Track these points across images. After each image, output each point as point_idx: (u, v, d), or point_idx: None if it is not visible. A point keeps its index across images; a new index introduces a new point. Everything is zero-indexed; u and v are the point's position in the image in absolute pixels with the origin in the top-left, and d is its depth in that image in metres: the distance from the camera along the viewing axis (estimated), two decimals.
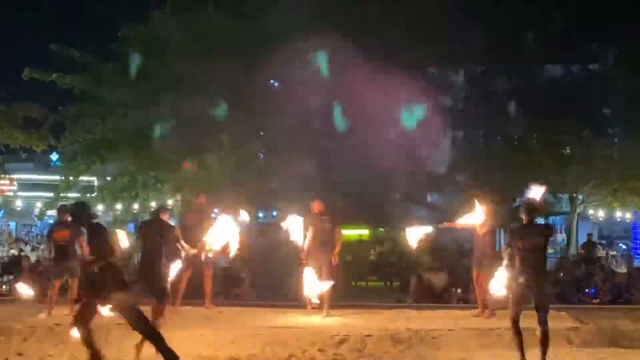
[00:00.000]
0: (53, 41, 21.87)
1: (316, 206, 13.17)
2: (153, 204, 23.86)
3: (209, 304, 13.82)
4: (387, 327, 11.24)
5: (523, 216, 9.20)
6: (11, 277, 19.19)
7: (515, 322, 8.93)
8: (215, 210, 14.82)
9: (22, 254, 21.63)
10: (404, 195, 24.97)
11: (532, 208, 9.33)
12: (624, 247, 31.41)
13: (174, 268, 11.43)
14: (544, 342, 8.81)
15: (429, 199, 28.58)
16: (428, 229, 12.17)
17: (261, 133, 22.78)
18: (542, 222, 9.82)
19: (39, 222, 29.98)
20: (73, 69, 22.14)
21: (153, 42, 21.49)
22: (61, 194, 22.77)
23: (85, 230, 8.73)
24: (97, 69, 22.07)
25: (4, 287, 19.19)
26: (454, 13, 21.24)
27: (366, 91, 20.45)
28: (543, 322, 8.87)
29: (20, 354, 9.74)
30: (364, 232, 26.52)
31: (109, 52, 22.10)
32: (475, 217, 12.36)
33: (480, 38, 21.66)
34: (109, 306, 8.53)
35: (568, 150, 23.84)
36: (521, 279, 8.86)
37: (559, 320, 11.68)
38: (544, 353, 8.79)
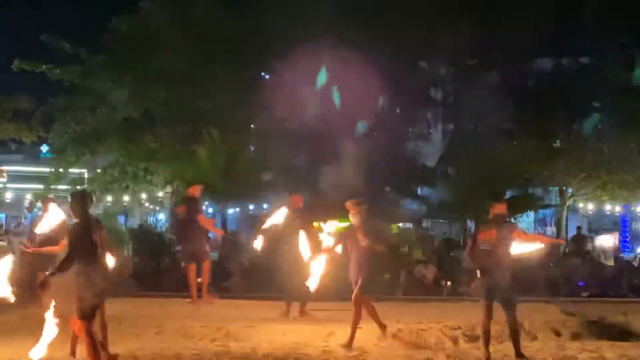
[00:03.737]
0: (43, 32, 21.80)
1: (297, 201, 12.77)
2: (143, 196, 23.87)
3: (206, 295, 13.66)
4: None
5: (490, 212, 9.21)
6: None
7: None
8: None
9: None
10: (395, 188, 25.03)
11: (500, 205, 9.30)
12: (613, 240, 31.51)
13: None
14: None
15: (419, 191, 28.63)
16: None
17: (252, 125, 22.77)
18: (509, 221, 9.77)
19: (29, 214, 29.83)
20: (63, 61, 22.06)
21: (143, 34, 21.44)
22: (51, 186, 22.73)
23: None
24: (87, 61, 22.00)
25: None
26: (445, 6, 21.30)
27: (357, 83, 20.48)
28: (511, 320, 8.99)
29: (9, 346, 9.71)
30: None
31: (99, 43, 22.02)
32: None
33: (471, 31, 21.69)
34: None
35: (558, 144, 23.91)
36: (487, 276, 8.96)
37: (548, 313, 11.75)
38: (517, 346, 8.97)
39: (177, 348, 9.58)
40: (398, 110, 26.63)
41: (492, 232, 8.97)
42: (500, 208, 9.20)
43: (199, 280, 13.52)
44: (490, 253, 8.90)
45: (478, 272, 8.97)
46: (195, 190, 13.86)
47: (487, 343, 8.95)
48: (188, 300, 13.40)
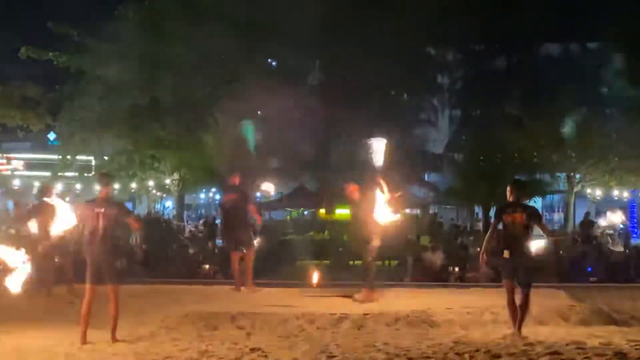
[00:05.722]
0: (50, 19, 21.78)
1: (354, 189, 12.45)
2: (150, 183, 23.91)
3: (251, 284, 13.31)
4: (385, 305, 11.26)
5: (509, 194, 9.45)
6: None
7: (510, 295, 9.33)
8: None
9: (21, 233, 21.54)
10: (401, 174, 25.01)
11: (519, 187, 9.54)
12: (621, 225, 31.49)
13: None
14: (522, 314, 9.27)
15: (426, 177, 28.63)
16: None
17: (258, 112, 22.77)
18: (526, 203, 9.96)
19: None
20: (70, 48, 22.05)
21: (150, 21, 21.42)
22: (59, 173, 22.79)
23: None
24: (94, 48, 21.98)
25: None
26: None
27: (363, 69, 20.43)
28: (524, 298, 9.26)
29: (16, 333, 9.74)
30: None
31: (106, 30, 22.01)
32: None
33: (479, 17, 21.61)
34: None
35: (566, 129, 23.85)
36: (507, 254, 9.19)
37: (556, 298, 11.73)
38: (520, 322, 9.24)
39: (185, 334, 9.61)
40: (405, 97, 26.61)
41: (518, 214, 9.26)
42: (516, 192, 9.48)
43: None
44: (514, 235, 9.23)
45: (505, 252, 9.21)
46: (236, 179, 13.62)
47: (514, 317, 9.28)
48: (231, 287, 13.31)
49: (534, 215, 9.47)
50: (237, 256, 13.22)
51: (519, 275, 9.27)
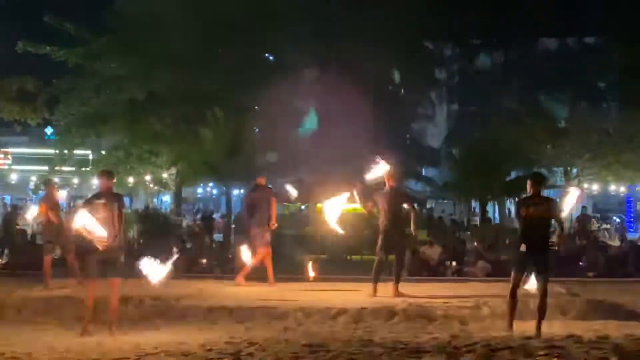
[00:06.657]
0: (47, 13, 21.74)
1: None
2: (148, 178, 23.89)
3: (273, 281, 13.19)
4: (383, 300, 11.28)
5: (529, 187, 9.43)
6: (6, 251, 19.15)
7: (514, 288, 9.33)
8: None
9: (18, 227, 21.53)
10: (399, 169, 25.02)
11: (539, 180, 9.55)
12: (617, 220, 31.59)
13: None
14: (540, 313, 9.13)
15: (423, 172, 28.63)
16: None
17: (256, 107, 22.74)
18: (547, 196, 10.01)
19: (34, 195, 29.93)
20: (67, 42, 22.02)
21: (147, 15, 21.36)
22: (56, 168, 22.75)
23: None
24: (91, 42, 21.94)
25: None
26: None
27: (360, 63, 20.41)
28: (542, 293, 9.21)
29: (14, 327, 9.74)
30: (359, 205, 26.42)
31: (104, 25, 21.97)
32: None
33: (476, 11, 21.58)
34: None
35: (563, 124, 23.87)
36: (523, 247, 9.15)
37: (554, 293, 11.76)
38: (539, 323, 9.05)
39: (185, 329, 9.62)
40: (403, 91, 26.56)
41: (539, 207, 9.28)
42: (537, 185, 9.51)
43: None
44: (534, 228, 9.21)
45: (522, 246, 9.21)
46: (262, 179, 13.69)
47: (512, 311, 9.36)
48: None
49: (555, 208, 9.46)
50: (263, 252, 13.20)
51: (536, 270, 9.26)
